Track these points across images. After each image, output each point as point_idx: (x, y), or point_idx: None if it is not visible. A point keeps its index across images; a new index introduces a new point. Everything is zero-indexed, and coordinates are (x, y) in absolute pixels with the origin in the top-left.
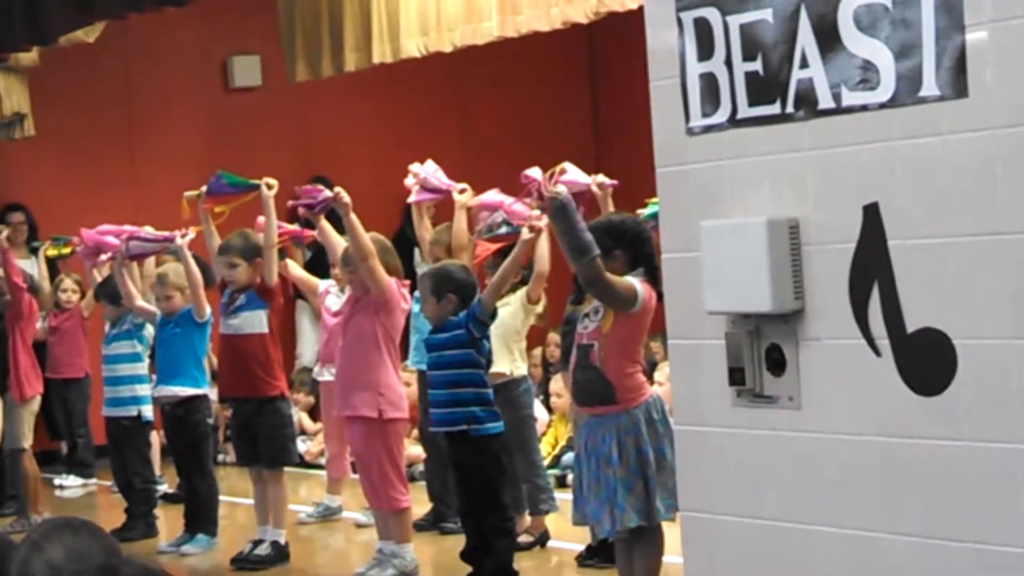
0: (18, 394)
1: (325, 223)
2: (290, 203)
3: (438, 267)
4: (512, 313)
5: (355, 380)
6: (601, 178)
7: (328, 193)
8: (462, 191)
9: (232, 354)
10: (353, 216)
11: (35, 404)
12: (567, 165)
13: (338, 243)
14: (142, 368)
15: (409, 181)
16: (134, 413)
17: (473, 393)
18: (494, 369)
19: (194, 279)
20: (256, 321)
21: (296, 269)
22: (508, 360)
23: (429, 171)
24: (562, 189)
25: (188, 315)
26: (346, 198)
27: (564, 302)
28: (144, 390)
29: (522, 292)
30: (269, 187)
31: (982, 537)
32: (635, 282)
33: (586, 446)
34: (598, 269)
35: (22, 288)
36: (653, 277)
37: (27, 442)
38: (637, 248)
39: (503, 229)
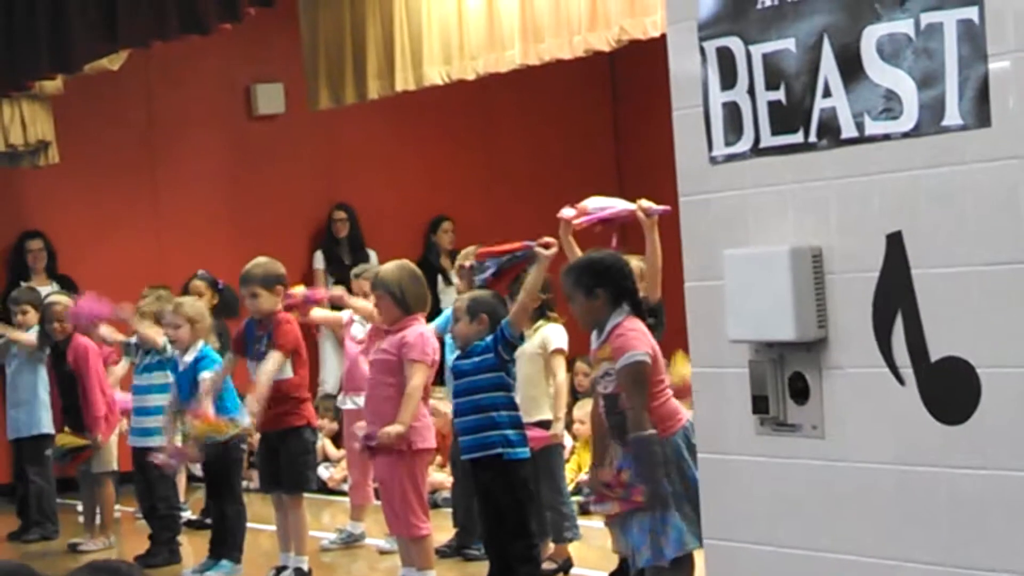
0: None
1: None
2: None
3: (476, 292)
4: (531, 356)
5: (384, 412)
6: (646, 203)
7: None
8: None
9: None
10: (407, 416)
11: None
12: (592, 201)
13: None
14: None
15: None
16: (158, 444)
17: (507, 416)
18: (537, 417)
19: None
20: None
21: (319, 313)
22: (549, 404)
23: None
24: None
25: (205, 354)
26: (388, 437)
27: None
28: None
29: (543, 334)
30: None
31: (1006, 566)
32: (638, 358)
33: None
34: (630, 411)
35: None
36: (639, 311)
37: (114, 465)
38: (618, 283)
39: (488, 271)
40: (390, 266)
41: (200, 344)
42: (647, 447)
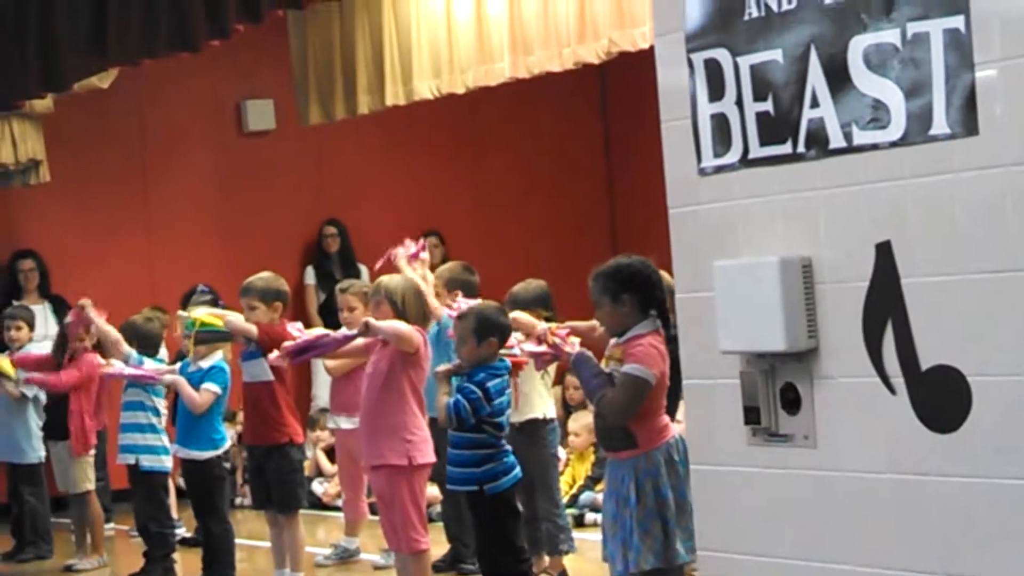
0: (81, 447)
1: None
2: (276, 357)
3: (481, 308)
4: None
5: (381, 427)
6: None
7: (316, 333)
8: None
9: (249, 401)
10: (376, 324)
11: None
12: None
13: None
14: (147, 418)
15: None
16: (131, 461)
17: (484, 454)
18: (530, 415)
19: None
20: (260, 370)
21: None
22: (541, 403)
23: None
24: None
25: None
26: (359, 327)
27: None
28: (146, 440)
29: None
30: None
31: (998, 574)
32: (646, 376)
33: (608, 484)
34: (609, 405)
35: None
36: (665, 320)
37: (90, 484)
38: (646, 292)
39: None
40: (396, 277)
41: (218, 355)
42: (586, 361)
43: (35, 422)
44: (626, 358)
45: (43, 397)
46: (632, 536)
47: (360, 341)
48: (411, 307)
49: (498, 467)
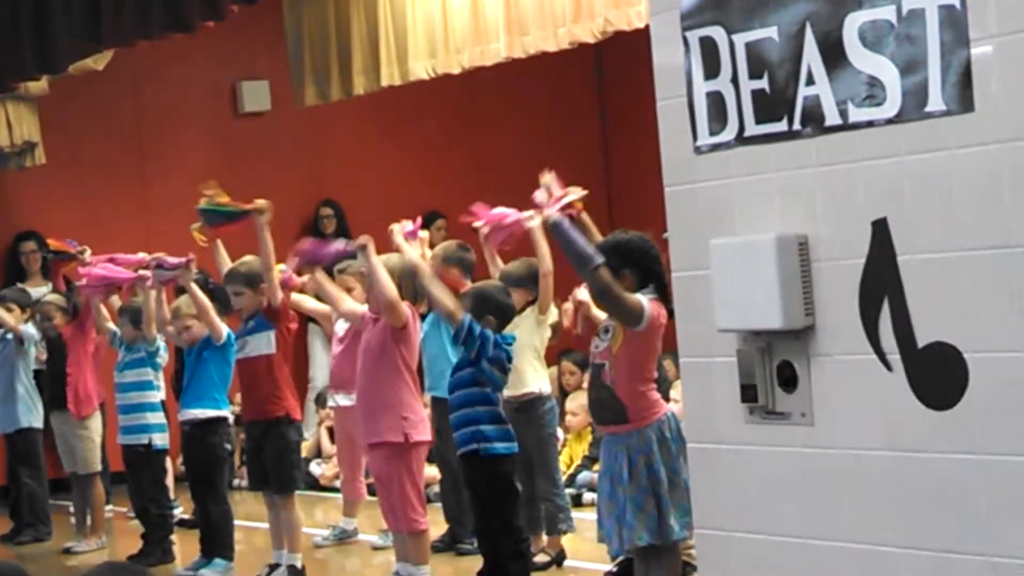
0: (84, 408)
1: (323, 280)
2: (291, 263)
3: (478, 287)
4: (527, 330)
5: (377, 405)
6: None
7: (339, 245)
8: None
9: (245, 378)
10: (374, 258)
11: (97, 423)
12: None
13: (339, 296)
14: (154, 396)
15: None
16: (145, 441)
17: (482, 412)
18: (523, 389)
19: (200, 305)
20: (263, 343)
21: (308, 302)
22: (535, 377)
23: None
24: (553, 211)
25: (209, 340)
26: (363, 240)
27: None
28: (156, 418)
29: (532, 308)
30: (260, 212)
31: (997, 550)
32: (643, 299)
33: (603, 464)
34: (604, 279)
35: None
36: (664, 295)
37: (99, 465)
38: (646, 266)
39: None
40: (392, 257)
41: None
42: (561, 229)
43: (27, 384)
44: None
45: (33, 356)
46: (626, 514)
47: (350, 306)
48: (405, 288)
49: (493, 431)
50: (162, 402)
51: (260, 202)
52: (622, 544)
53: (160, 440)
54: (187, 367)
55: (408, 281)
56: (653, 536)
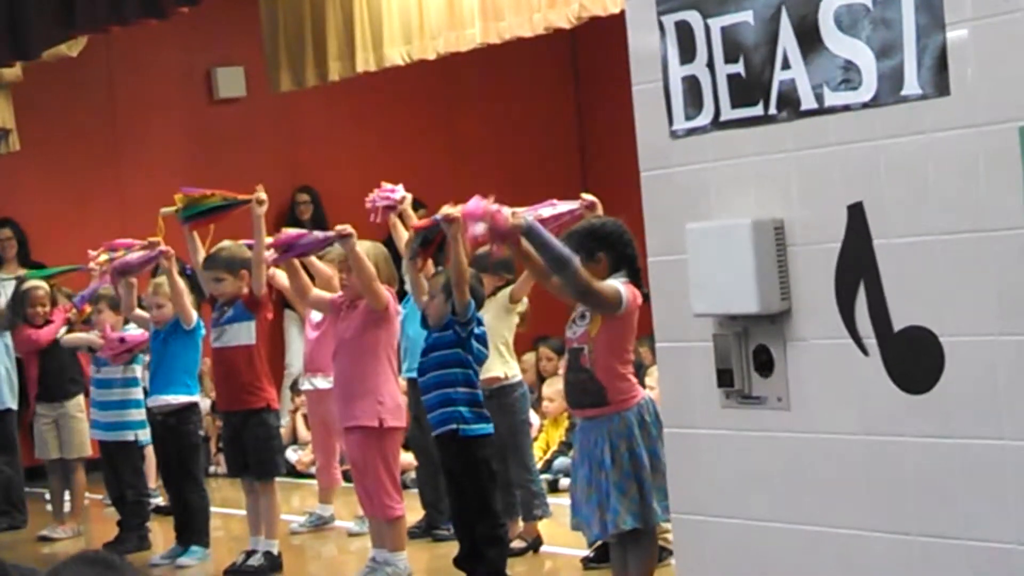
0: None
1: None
2: (269, 255)
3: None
4: (495, 315)
5: (353, 389)
6: (589, 197)
7: (317, 235)
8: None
9: (222, 367)
10: (357, 248)
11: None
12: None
13: (306, 285)
14: (137, 392)
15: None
16: (130, 438)
17: (463, 393)
18: (489, 374)
19: (176, 288)
20: (244, 333)
21: (283, 279)
22: (500, 363)
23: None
24: (522, 216)
25: (177, 324)
26: (348, 229)
27: (549, 312)
28: (141, 414)
29: (503, 294)
30: (260, 202)
31: (971, 534)
32: (618, 285)
33: (580, 450)
34: (582, 278)
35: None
36: (636, 278)
37: (88, 450)
38: (620, 250)
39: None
40: (365, 243)
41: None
42: (535, 232)
43: (7, 365)
44: None
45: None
46: (609, 498)
47: (317, 295)
48: (382, 271)
49: (469, 412)
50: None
51: (259, 193)
52: (605, 529)
53: (144, 436)
54: (154, 352)
55: (384, 263)
56: (637, 520)
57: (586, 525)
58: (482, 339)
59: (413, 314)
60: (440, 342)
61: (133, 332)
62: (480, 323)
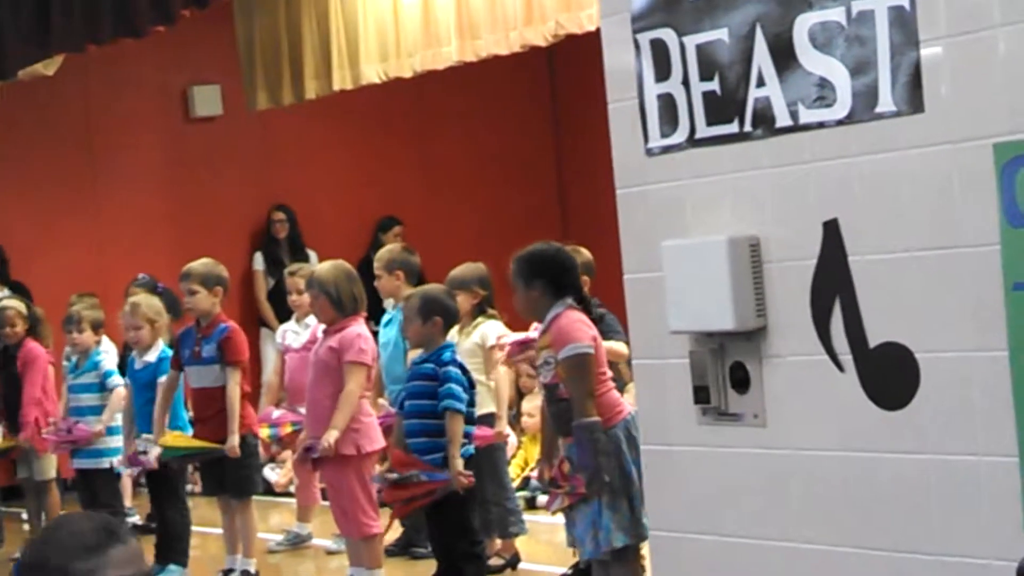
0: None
1: None
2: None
3: (424, 290)
4: (471, 352)
5: (324, 417)
6: None
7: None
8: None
9: (203, 404)
10: (335, 437)
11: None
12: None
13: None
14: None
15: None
16: (106, 466)
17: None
18: (483, 410)
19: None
20: (217, 375)
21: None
22: (488, 398)
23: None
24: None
25: (161, 363)
26: (327, 447)
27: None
28: (116, 441)
29: (480, 334)
30: (232, 451)
31: (947, 549)
32: (583, 349)
33: (572, 467)
34: (578, 405)
35: None
36: (584, 303)
37: (54, 472)
38: (556, 276)
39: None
40: (326, 265)
41: (161, 344)
42: (589, 433)
43: None
44: (555, 344)
45: None
46: (601, 516)
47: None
48: (345, 293)
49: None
50: None
51: (232, 443)
52: (598, 547)
53: (120, 463)
54: (138, 392)
55: (345, 287)
56: (628, 536)
57: (580, 543)
58: (460, 364)
59: (390, 333)
60: (419, 373)
61: (84, 426)
62: (453, 351)
